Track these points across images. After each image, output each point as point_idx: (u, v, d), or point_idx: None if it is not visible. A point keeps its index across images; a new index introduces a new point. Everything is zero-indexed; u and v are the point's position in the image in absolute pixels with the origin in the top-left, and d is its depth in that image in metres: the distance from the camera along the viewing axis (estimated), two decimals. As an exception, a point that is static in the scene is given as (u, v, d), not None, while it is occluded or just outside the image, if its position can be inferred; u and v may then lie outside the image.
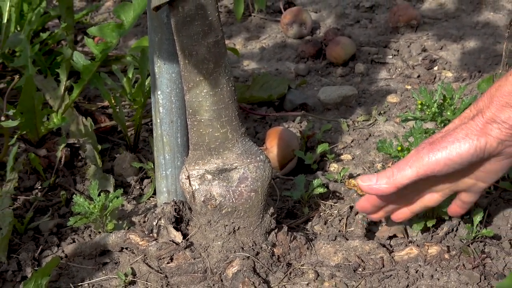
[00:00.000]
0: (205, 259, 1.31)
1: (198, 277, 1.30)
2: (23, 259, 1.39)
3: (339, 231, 1.44)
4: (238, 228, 1.31)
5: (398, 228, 1.41)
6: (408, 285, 1.27)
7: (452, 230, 1.41)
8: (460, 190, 1.27)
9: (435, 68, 2.16)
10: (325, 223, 1.47)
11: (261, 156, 1.29)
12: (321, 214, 1.49)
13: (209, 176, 1.28)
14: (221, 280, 1.29)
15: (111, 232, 1.41)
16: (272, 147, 1.67)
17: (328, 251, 1.35)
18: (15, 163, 1.55)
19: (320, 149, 1.69)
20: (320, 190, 1.50)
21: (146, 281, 1.32)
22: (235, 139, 1.26)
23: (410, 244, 1.37)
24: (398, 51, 2.26)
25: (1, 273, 1.38)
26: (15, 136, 1.63)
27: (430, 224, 1.39)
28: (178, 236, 1.32)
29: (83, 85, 1.68)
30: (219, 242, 1.31)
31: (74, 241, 1.46)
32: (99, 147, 1.71)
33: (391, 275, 1.29)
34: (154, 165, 1.48)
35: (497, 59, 2.14)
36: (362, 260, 1.33)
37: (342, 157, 1.73)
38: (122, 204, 1.55)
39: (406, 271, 1.30)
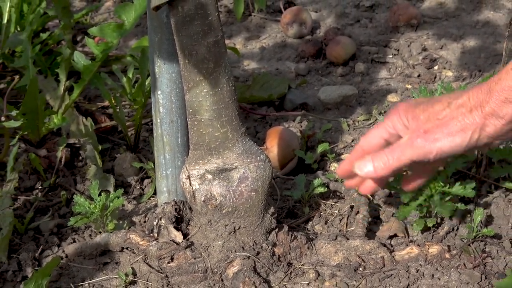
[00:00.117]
0: (205, 258, 1.31)
1: (198, 276, 1.30)
2: (24, 259, 1.39)
3: (340, 230, 1.44)
4: (239, 228, 1.31)
5: (398, 228, 1.41)
6: (408, 285, 1.27)
7: (453, 229, 1.41)
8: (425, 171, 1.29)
9: (435, 67, 2.16)
10: (326, 222, 1.47)
11: (262, 156, 1.29)
12: (321, 213, 1.49)
13: (210, 176, 1.28)
14: (222, 280, 1.29)
15: (111, 232, 1.41)
16: (273, 146, 1.67)
17: (328, 250, 1.35)
18: (15, 163, 1.55)
19: (320, 148, 1.69)
20: (321, 189, 1.50)
21: (147, 281, 1.32)
22: (235, 139, 1.26)
23: (410, 243, 1.37)
24: (398, 50, 2.26)
25: (2, 273, 1.38)
26: (17, 137, 1.63)
27: (430, 223, 1.39)
28: (178, 236, 1.32)
29: (84, 85, 1.68)
30: (219, 242, 1.31)
31: (74, 241, 1.46)
32: (100, 147, 1.71)
33: (391, 274, 1.29)
34: (154, 165, 1.48)
35: (497, 58, 2.14)
36: (363, 260, 1.32)
37: (342, 156, 1.73)
38: (123, 204, 1.55)
39: (406, 271, 1.30)
